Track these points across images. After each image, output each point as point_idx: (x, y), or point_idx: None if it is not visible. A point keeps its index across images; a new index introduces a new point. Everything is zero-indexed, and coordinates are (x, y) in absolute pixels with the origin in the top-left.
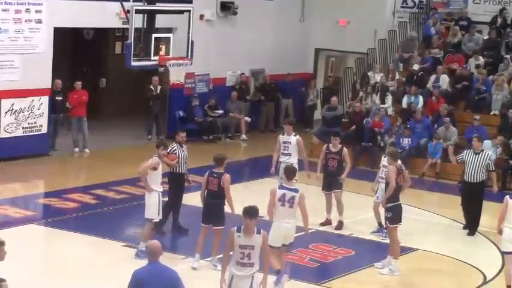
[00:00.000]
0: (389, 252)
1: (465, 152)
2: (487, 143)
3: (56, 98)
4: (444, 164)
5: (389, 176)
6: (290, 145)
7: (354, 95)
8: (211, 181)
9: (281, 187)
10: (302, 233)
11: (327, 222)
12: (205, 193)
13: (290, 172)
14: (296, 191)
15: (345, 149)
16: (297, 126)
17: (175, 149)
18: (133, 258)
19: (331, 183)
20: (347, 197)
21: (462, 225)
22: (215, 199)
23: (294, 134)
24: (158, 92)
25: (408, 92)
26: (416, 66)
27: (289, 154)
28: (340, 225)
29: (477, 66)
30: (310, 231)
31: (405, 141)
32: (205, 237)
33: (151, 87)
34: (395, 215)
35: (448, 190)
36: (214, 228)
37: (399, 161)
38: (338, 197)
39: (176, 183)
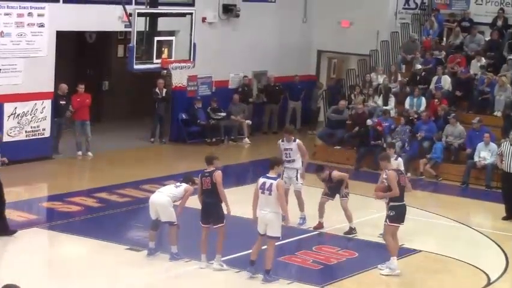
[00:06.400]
0: (390, 254)
1: (502, 144)
2: None
3: (60, 101)
4: (446, 165)
5: (389, 181)
6: (292, 151)
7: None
8: (204, 181)
9: (263, 176)
10: (306, 235)
11: (320, 226)
12: (202, 194)
13: (272, 162)
14: (275, 179)
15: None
16: (301, 129)
17: None
18: (136, 261)
19: (333, 190)
20: (350, 198)
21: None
22: (210, 197)
23: (293, 139)
24: (164, 94)
25: (412, 93)
26: (418, 66)
27: (293, 160)
28: (350, 231)
29: (481, 68)
30: (312, 233)
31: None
32: (207, 236)
33: (157, 90)
34: (398, 215)
35: (450, 191)
36: (215, 226)
37: (401, 161)
38: (343, 205)
39: None
